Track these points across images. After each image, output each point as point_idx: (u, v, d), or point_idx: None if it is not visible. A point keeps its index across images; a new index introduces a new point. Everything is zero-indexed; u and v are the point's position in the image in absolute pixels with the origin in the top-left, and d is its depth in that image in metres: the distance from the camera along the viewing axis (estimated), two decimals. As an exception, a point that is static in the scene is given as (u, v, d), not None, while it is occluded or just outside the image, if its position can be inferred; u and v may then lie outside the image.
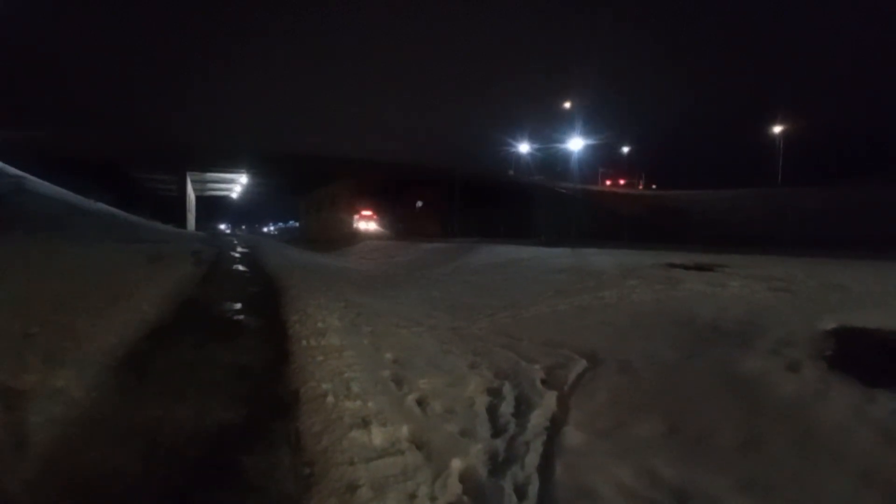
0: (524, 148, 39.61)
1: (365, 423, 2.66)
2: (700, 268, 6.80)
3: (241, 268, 13.86)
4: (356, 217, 34.30)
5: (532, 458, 2.42)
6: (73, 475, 2.37)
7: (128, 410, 3.16)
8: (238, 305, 7.26)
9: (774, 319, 3.63)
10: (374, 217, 34.44)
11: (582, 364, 3.75)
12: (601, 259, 9.17)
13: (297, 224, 64.40)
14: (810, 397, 2.52)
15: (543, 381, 3.53)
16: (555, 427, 2.79)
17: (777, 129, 33.83)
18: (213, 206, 68.31)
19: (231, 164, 35.55)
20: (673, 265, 7.18)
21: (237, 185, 47.87)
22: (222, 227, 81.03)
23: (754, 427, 2.43)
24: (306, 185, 41.80)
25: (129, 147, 31.05)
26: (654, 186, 50.25)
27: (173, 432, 2.88)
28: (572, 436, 2.62)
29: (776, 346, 3.09)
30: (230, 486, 2.35)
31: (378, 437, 2.54)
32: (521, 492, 2.14)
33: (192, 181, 41.15)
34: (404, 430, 2.65)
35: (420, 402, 3.17)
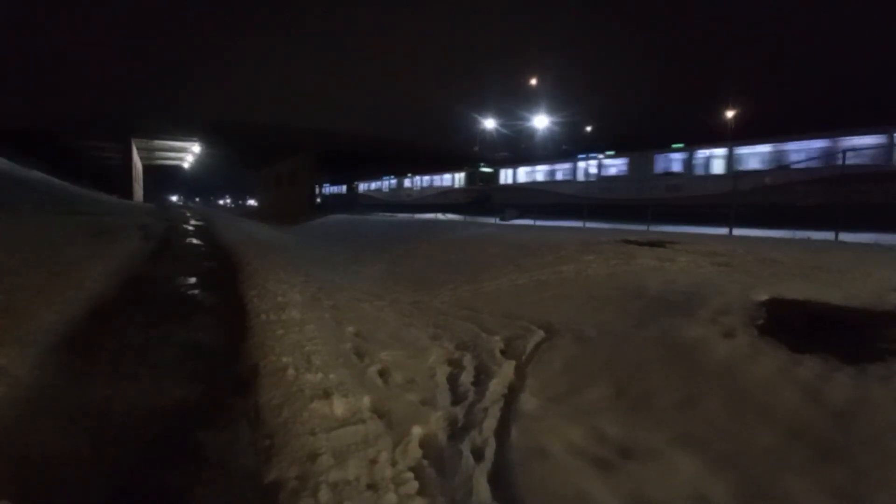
0: (490, 124, 39.45)
1: (326, 395, 2.68)
2: (652, 244, 7.11)
3: (194, 241, 13.29)
4: None
5: (490, 424, 2.53)
6: (18, 459, 2.26)
7: (75, 390, 3.03)
8: (192, 281, 7.01)
9: (715, 291, 3.88)
10: None
11: (539, 335, 3.90)
12: (560, 235, 9.41)
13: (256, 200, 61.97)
14: (743, 361, 2.74)
15: (502, 352, 3.66)
16: (512, 394, 2.91)
17: (729, 113, 35.06)
18: (163, 177, 64.70)
19: (182, 132, 33.55)
20: (627, 241, 7.47)
21: (189, 154, 45.35)
22: (174, 199, 77.13)
23: (692, 388, 2.63)
24: (265, 158, 40.20)
25: (66, 113, 28.74)
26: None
27: (125, 412, 2.79)
28: (528, 402, 2.75)
29: (714, 316, 3.32)
30: (187, 463, 2.32)
31: (339, 407, 2.58)
32: (478, 454, 2.24)
33: (139, 149, 38.62)
34: (365, 401, 2.70)
35: (382, 374, 3.23)
